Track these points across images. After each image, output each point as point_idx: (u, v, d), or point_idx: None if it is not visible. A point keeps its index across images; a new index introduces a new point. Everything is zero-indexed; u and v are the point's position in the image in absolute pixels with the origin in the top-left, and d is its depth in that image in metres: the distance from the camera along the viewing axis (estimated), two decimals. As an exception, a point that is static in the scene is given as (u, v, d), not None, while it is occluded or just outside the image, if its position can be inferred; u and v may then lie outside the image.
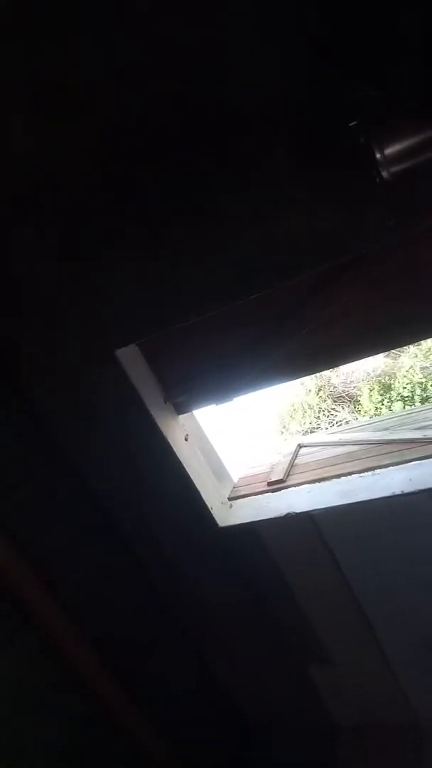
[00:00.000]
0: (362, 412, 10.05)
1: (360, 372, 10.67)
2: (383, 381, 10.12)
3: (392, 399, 9.66)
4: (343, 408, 10.60)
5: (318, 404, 10.83)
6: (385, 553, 2.59)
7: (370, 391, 10.02)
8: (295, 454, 3.24)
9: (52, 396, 2.71)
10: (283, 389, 10.97)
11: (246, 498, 3.05)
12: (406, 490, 2.40)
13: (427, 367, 9.71)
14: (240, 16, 1.67)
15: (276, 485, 2.99)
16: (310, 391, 10.98)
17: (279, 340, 2.41)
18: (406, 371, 9.81)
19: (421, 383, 9.60)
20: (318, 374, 10.10)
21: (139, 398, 2.56)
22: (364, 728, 3.24)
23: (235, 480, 3.30)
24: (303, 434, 10.07)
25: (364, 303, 2.28)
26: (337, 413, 10.54)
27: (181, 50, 1.76)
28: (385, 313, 2.28)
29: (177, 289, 2.23)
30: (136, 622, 3.07)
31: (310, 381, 10.83)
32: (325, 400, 10.87)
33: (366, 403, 9.97)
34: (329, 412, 10.70)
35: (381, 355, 9.89)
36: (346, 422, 9.92)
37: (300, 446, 3.32)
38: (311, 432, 10.28)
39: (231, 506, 3.02)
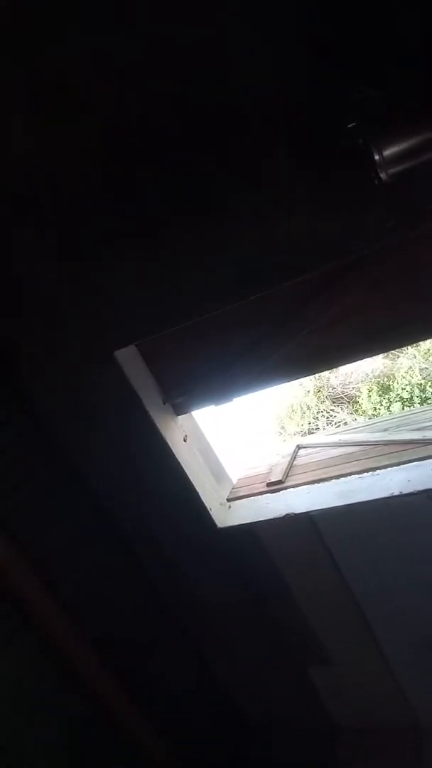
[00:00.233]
0: (361, 413, 10.06)
1: (359, 373, 10.67)
2: (382, 382, 10.12)
3: (391, 400, 9.67)
4: (341, 409, 10.61)
5: (317, 405, 10.83)
6: (384, 554, 2.59)
7: (369, 392, 10.02)
8: (294, 455, 3.24)
9: (52, 396, 2.71)
10: (282, 390, 10.97)
11: (245, 499, 3.05)
12: (405, 491, 2.41)
13: (426, 369, 9.72)
14: (240, 16, 1.67)
15: (275, 486, 2.99)
16: (308, 392, 10.98)
17: (279, 341, 2.41)
18: (405, 372, 9.81)
19: (420, 384, 9.60)
20: (317, 375, 10.12)
21: (137, 399, 2.56)
22: (364, 728, 3.24)
23: (234, 481, 3.30)
24: (302, 435, 10.07)
25: (364, 303, 2.28)
26: (335, 414, 10.55)
27: (181, 50, 1.77)
28: (385, 314, 2.29)
29: (177, 289, 2.23)
30: (136, 622, 3.07)
31: (308, 382, 10.83)
32: (323, 401, 10.88)
33: (365, 404, 9.98)
34: (328, 413, 10.70)
35: (380, 357, 9.90)
36: (345, 423, 9.93)
37: (299, 447, 3.32)
38: (310, 433, 10.27)
39: (230, 507, 3.02)
